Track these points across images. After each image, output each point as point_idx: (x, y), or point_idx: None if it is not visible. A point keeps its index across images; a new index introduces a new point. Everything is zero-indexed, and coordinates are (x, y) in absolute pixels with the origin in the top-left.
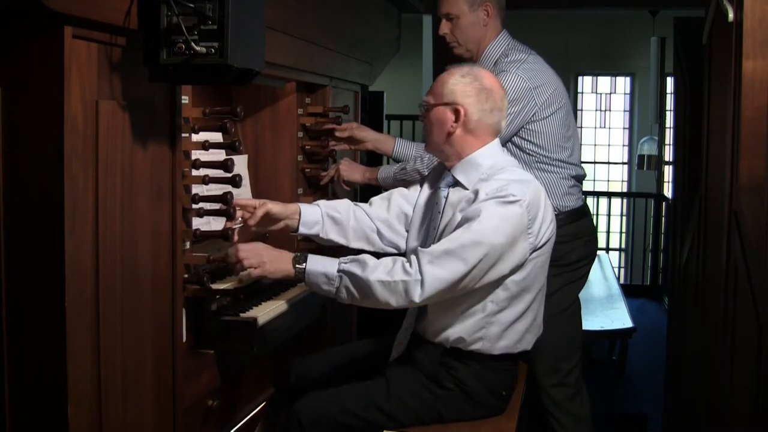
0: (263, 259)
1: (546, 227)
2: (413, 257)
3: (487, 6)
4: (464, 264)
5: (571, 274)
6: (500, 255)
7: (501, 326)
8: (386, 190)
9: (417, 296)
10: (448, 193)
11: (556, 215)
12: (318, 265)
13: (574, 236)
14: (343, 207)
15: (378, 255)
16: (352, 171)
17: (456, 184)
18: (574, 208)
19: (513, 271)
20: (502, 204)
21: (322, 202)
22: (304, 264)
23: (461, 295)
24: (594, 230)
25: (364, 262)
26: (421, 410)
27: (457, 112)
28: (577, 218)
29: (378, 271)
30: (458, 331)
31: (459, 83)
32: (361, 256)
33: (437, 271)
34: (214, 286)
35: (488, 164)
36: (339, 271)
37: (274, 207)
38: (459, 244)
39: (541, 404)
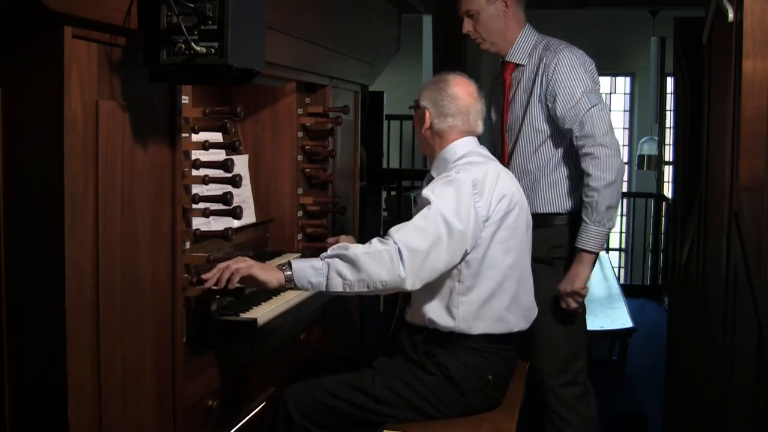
0: (250, 263)
1: (497, 202)
2: (385, 235)
3: None
4: (427, 233)
5: None
6: (460, 228)
7: (473, 305)
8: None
9: (400, 266)
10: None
11: (570, 212)
12: (302, 262)
13: None
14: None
15: None
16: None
17: (432, 179)
18: None
19: (473, 246)
20: (448, 183)
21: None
22: (288, 266)
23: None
24: None
25: (346, 246)
26: (408, 394)
27: (424, 115)
28: None
29: (360, 248)
30: (433, 311)
31: (429, 89)
32: (339, 244)
33: (406, 237)
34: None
35: (456, 157)
36: (324, 258)
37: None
38: (418, 216)
39: (548, 405)
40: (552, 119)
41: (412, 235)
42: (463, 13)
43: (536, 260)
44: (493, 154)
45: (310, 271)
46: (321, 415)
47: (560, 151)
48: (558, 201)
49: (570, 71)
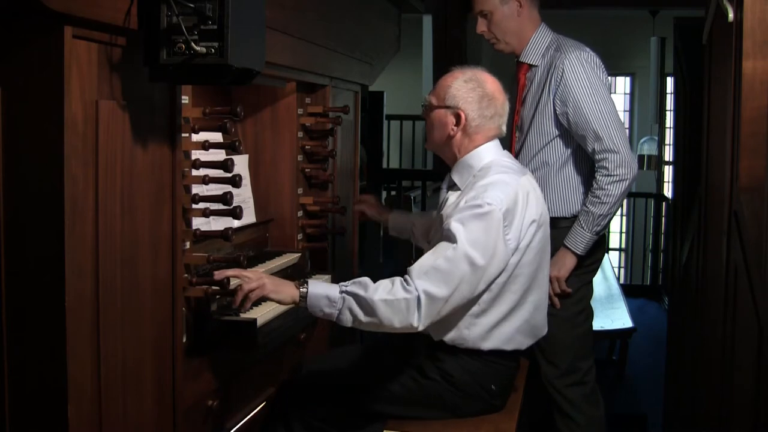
0: (264, 281)
1: (526, 229)
2: (407, 276)
3: None
4: (451, 278)
5: (587, 276)
6: (485, 266)
7: (483, 327)
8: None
9: (416, 314)
10: (448, 195)
11: (576, 215)
12: (319, 288)
13: None
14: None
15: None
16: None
17: (454, 185)
18: None
19: (496, 275)
20: (477, 217)
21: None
22: (306, 287)
23: None
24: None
25: (366, 284)
26: (399, 390)
27: (458, 117)
28: None
29: (380, 291)
30: (442, 332)
31: (462, 88)
32: (361, 278)
33: (428, 284)
34: (214, 287)
35: (480, 165)
36: (341, 292)
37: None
38: (444, 258)
39: (555, 405)
40: (560, 121)
41: (434, 282)
42: (477, 13)
43: None
44: None
45: (324, 301)
46: (314, 408)
47: (568, 152)
48: (564, 204)
49: (579, 75)
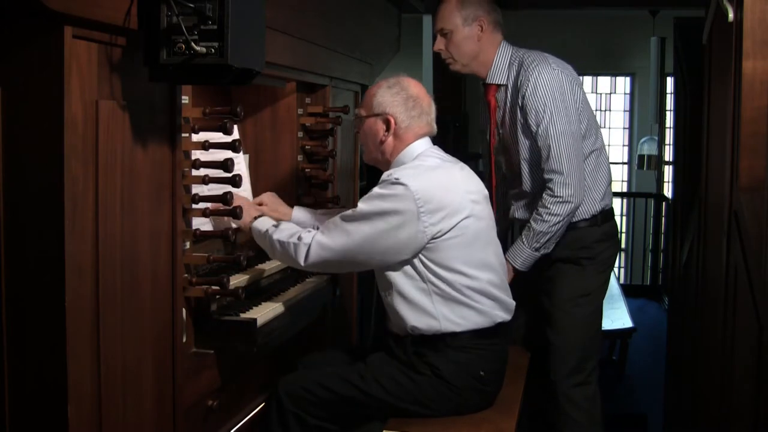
0: (246, 213)
1: (454, 215)
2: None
3: (482, 21)
4: (347, 236)
5: (605, 274)
6: (385, 233)
7: (448, 303)
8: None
9: (302, 259)
10: None
11: (594, 215)
12: (260, 223)
13: (610, 235)
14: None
15: None
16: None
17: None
18: (611, 207)
19: (416, 253)
20: (386, 185)
21: (320, 211)
22: (254, 221)
23: (401, 286)
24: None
25: (280, 224)
26: (397, 391)
27: (387, 122)
28: (611, 217)
29: (283, 233)
30: (413, 318)
31: (386, 94)
32: (288, 222)
33: (323, 238)
34: (214, 287)
35: (413, 157)
36: (267, 229)
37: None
38: (348, 215)
39: (557, 404)
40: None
41: (329, 235)
42: (437, 31)
43: (562, 261)
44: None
45: (257, 233)
46: (311, 405)
47: None
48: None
49: (541, 94)
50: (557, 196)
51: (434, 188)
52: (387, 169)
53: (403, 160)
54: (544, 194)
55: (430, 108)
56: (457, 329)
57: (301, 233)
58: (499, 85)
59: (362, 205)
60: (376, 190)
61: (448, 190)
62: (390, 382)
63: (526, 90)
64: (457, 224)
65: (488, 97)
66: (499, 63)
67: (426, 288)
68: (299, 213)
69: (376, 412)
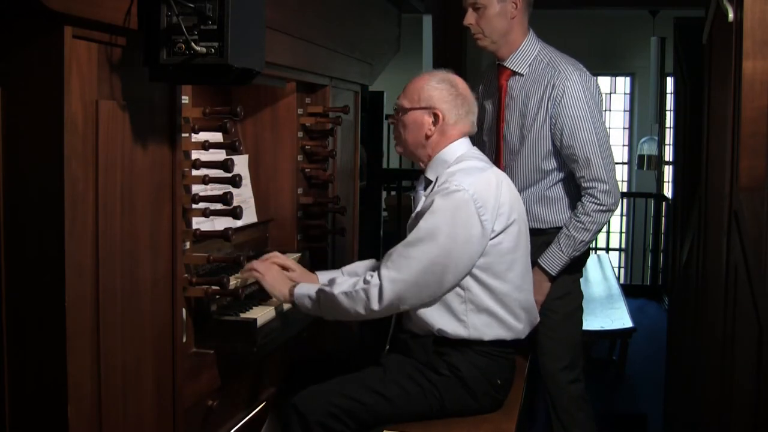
0: (268, 274)
1: (505, 215)
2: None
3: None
4: (417, 261)
5: (578, 273)
6: (453, 245)
7: (481, 314)
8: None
9: (375, 301)
10: (422, 195)
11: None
12: (304, 288)
13: None
14: (363, 265)
15: None
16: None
17: (429, 184)
18: None
19: (476, 259)
20: (444, 195)
21: (345, 268)
22: (295, 288)
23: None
24: None
25: (334, 280)
26: (418, 394)
27: (435, 116)
28: None
29: (344, 285)
30: (440, 323)
31: (436, 89)
32: (339, 277)
33: (392, 273)
34: (214, 287)
35: (454, 158)
36: (317, 291)
37: (294, 275)
38: (409, 242)
39: (555, 402)
40: (555, 141)
41: (397, 268)
42: (470, 4)
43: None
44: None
45: (306, 300)
46: (334, 417)
47: (565, 168)
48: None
49: (578, 100)
50: (602, 205)
51: (487, 188)
52: (420, 161)
53: (444, 158)
54: (585, 202)
55: (474, 107)
56: (484, 338)
57: (363, 277)
58: (514, 72)
59: (427, 219)
60: (437, 201)
61: (500, 192)
62: (411, 384)
63: (562, 97)
64: (506, 228)
65: (501, 79)
66: (526, 51)
67: (462, 294)
68: (325, 276)
69: (394, 416)
